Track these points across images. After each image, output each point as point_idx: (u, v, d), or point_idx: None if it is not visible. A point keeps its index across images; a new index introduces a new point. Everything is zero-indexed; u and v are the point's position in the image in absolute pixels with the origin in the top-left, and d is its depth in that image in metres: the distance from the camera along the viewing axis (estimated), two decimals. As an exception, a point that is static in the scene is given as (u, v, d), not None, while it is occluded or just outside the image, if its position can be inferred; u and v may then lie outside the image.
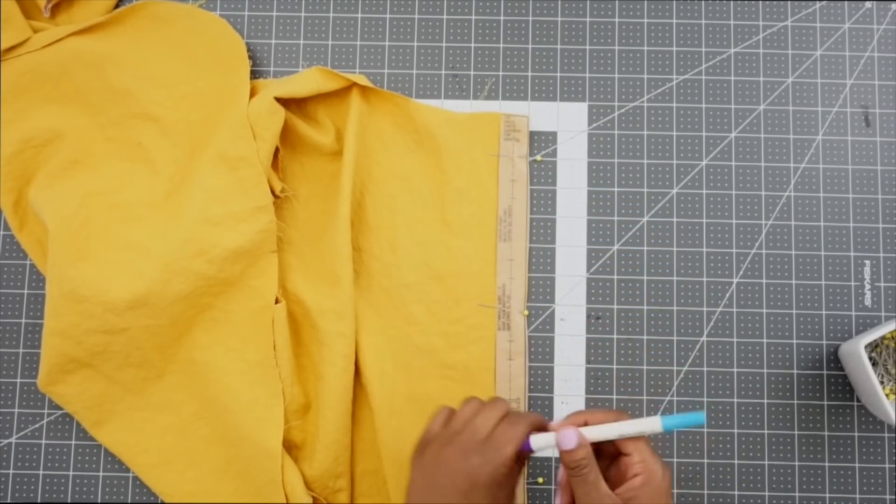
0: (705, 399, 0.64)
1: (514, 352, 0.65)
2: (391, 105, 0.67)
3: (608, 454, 0.51)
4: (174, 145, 0.66)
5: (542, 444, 0.50)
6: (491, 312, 0.65)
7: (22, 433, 0.65)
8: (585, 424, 0.50)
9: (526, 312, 0.65)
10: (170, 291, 0.61)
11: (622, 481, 0.49)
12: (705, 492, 0.63)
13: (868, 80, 0.67)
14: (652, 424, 0.49)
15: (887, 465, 0.64)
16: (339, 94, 0.66)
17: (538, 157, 0.66)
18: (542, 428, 0.52)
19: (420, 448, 0.52)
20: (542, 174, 0.67)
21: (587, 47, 0.68)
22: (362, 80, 0.66)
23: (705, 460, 0.64)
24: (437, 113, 0.66)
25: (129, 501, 0.65)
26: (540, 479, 0.64)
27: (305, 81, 0.64)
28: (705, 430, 0.64)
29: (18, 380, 0.66)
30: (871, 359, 0.61)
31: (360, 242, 0.66)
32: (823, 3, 0.68)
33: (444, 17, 0.68)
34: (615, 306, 0.65)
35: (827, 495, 0.63)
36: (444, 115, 0.66)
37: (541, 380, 0.65)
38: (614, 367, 0.65)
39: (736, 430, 0.64)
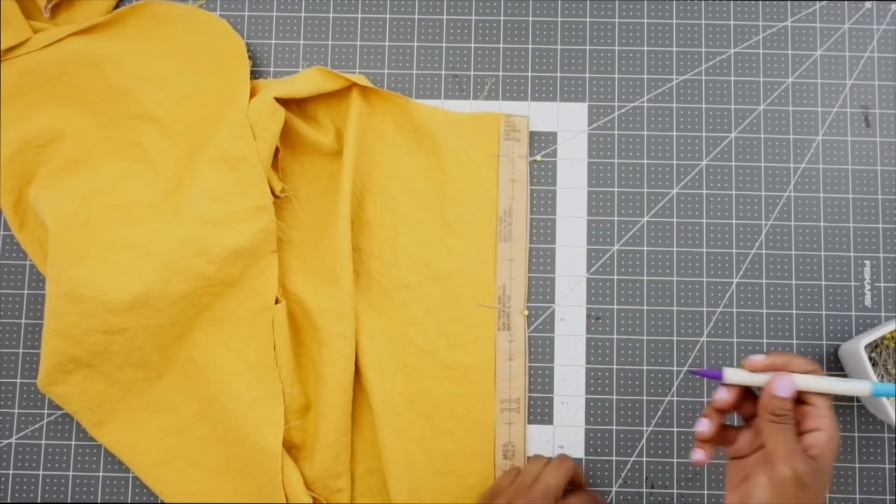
0: (705, 399, 0.64)
1: (514, 352, 0.65)
2: (391, 105, 0.67)
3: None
4: (174, 145, 0.66)
5: (736, 378, 0.50)
6: (491, 312, 0.65)
7: (22, 433, 0.65)
8: (785, 367, 0.49)
9: (526, 312, 0.65)
10: (170, 291, 0.61)
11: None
12: (705, 492, 0.63)
13: (868, 80, 0.67)
14: (863, 388, 0.48)
15: (887, 466, 0.63)
16: (339, 94, 0.66)
17: (538, 157, 0.67)
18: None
19: (488, 498, 0.58)
20: (542, 174, 0.67)
21: (587, 47, 0.68)
22: (362, 81, 0.66)
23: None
24: (437, 113, 0.66)
25: (129, 502, 0.65)
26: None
27: (305, 81, 0.64)
28: (705, 430, 0.64)
29: (18, 380, 0.66)
30: (871, 359, 0.61)
31: (360, 242, 0.66)
32: (823, 3, 0.68)
33: (444, 17, 0.68)
34: (615, 306, 0.65)
35: (827, 495, 0.63)
36: (444, 116, 0.66)
37: (541, 380, 0.65)
38: (614, 367, 0.65)
39: (736, 431, 0.64)
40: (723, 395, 0.50)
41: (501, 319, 0.65)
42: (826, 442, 0.47)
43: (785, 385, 0.48)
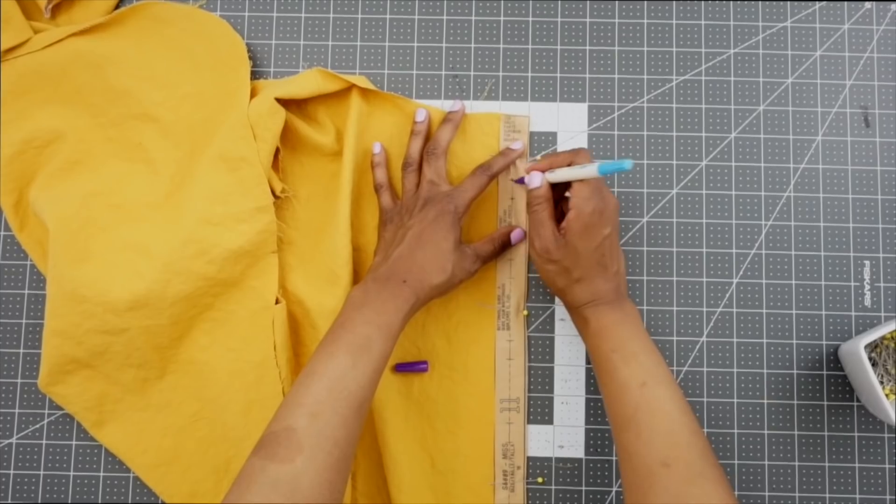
0: (705, 399, 0.64)
1: (514, 352, 0.65)
2: (391, 105, 0.67)
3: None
4: (175, 146, 0.66)
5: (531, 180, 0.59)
6: (491, 312, 0.65)
7: (22, 433, 0.65)
8: (550, 166, 0.59)
9: (525, 312, 0.65)
10: (170, 292, 0.61)
11: None
12: (705, 492, 0.63)
13: (867, 80, 0.67)
14: (591, 170, 0.55)
15: (887, 466, 0.64)
16: (339, 94, 0.67)
17: (538, 157, 0.67)
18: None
19: (388, 219, 0.62)
20: (542, 174, 0.67)
21: (587, 48, 0.68)
22: (362, 82, 0.66)
23: (705, 460, 0.64)
24: (437, 113, 0.66)
25: (130, 502, 0.65)
26: (540, 479, 0.64)
27: (306, 82, 0.64)
28: (705, 430, 0.64)
29: (19, 380, 0.66)
30: (870, 359, 0.61)
31: (360, 242, 0.66)
32: (823, 3, 0.68)
33: (444, 17, 0.68)
34: (615, 306, 0.65)
35: (827, 495, 0.63)
36: (444, 116, 0.66)
37: (541, 380, 0.65)
38: (614, 367, 0.65)
39: (736, 431, 0.64)
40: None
41: (501, 319, 0.65)
42: (573, 219, 0.56)
43: (533, 178, 0.58)
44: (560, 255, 0.57)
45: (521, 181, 0.64)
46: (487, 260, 0.63)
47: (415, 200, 0.61)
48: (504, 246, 0.64)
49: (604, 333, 0.56)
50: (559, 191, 0.61)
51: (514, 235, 0.64)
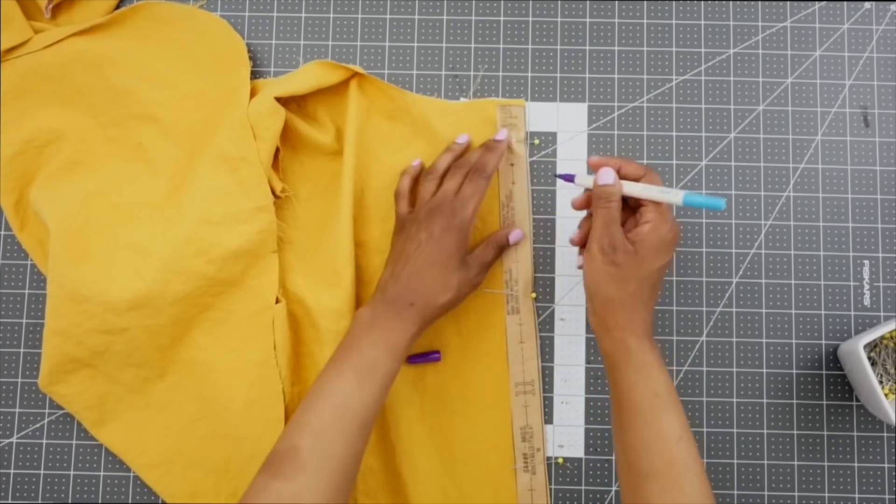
0: (704, 399, 0.64)
1: (525, 335, 0.65)
2: (387, 99, 0.67)
3: (628, 206, 0.57)
4: (175, 146, 0.66)
5: (585, 182, 0.58)
6: (499, 298, 0.65)
7: (23, 433, 0.65)
8: (619, 170, 0.56)
9: (534, 294, 0.65)
10: (170, 291, 0.61)
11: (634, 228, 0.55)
12: (705, 491, 0.63)
13: (867, 80, 0.67)
14: (675, 196, 0.53)
15: (886, 465, 0.64)
16: (338, 93, 0.67)
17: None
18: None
19: (400, 227, 0.61)
20: (542, 174, 0.67)
21: (587, 48, 0.68)
22: (361, 71, 0.66)
23: (705, 460, 0.64)
24: (434, 103, 0.66)
25: (130, 501, 0.65)
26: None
27: (305, 77, 0.64)
28: (705, 429, 0.64)
29: (19, 379, 0.66)
30: (870, 358, 0.61)
31: (363, 237, 0.66)
32: (822, 3, 0.68)
33: (444, 17, 0.68)
34: (615, 306, 0.65)
35: (826, 495, 0.63)
36: (440, 105, 0.66)
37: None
38: (614, 366, 0.65)
39: (735, 430, 0.64)
40: (576, 196, 0.59)
41: (510, 304, 0.65)
42: (648, 232, 0.54)
43: (606, 174, 0.55)
44: (625, 261, 0.54)
45: (564, 177, 0.60)
46: (491, 265, 0.63)
47: (424, 209, 0.60)
48: (502, 248, 0.64)
49: (648, 371, 0.53)
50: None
51: (513, 237, 0.64)
